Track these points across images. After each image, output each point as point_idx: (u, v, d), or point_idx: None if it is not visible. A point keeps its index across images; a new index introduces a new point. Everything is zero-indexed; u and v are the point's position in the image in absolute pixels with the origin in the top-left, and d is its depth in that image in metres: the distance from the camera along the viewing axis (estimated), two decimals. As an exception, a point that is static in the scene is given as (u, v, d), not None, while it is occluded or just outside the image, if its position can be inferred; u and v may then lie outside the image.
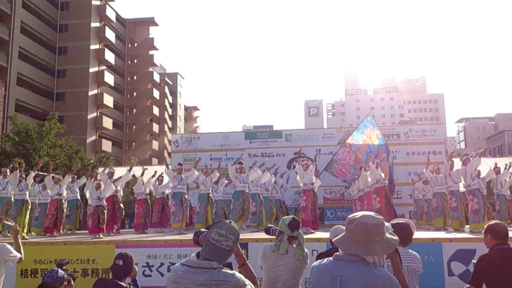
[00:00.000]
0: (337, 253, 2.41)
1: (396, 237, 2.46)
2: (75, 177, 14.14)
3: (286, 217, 4.35)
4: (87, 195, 12.24)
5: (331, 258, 2.41)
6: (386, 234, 2.37)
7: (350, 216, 2.43)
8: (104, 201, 11.32)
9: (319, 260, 2.51)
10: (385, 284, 2.23)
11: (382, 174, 11.61)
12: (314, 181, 11.11)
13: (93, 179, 12.10)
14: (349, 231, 2.35)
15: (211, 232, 2.53)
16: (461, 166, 10.56)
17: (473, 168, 10.15)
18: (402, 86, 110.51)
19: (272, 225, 4.53)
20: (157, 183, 13.60)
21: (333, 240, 2.49)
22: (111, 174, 12.37)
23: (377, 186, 11.51)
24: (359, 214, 2.39)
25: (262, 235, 6.80)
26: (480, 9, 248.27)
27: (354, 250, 2.29)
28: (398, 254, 2.83)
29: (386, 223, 2.89)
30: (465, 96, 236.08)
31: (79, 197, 13.86)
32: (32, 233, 12.47)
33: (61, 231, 12.62)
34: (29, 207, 11.67)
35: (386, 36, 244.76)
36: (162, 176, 13.67)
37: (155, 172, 14.12)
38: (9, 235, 7.80)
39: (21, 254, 4.72)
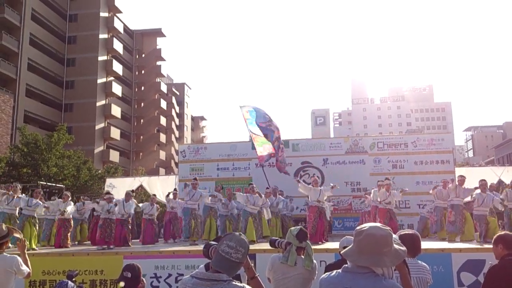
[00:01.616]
0: (346, 265, 2.40)
1: (404, 248, 2.45)
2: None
3: (293, 228, 4.34)
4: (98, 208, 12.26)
5: (339, 270, 2.40)
6: (394, 245, 2.36)
7: (358, 227, 2.43)
8: (113, 215, 11.33)
9: (328, 273, 2.49)
10: None
11: (392, 199, 11.67)
12: (320, 198, 11.12)
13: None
14: (357, 242, 2.35)
15: (221, 244, 2.54)
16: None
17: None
18: (409, 95, 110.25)
19: (277, 238, 4.52)
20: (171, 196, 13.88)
21: (341, 252, 2.49)
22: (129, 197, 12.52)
23: (380, 206, 11.65)
24: (367, 225, 2.40)
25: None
26: (487, 18, 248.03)
27: (362, 261, 2.29)
28: (406, 265, 2.82)
29: (393, 235, 2.89)
30: (473, 104, 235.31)
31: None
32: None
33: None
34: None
35: (393, 45, 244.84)
36: (176, 190, 13.96)
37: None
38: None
39: (28, 268, 4.72)
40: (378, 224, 2.40)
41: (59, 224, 12.32)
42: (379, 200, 11.81)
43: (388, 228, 2.38)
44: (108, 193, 12.16)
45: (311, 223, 10.85)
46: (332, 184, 11.69)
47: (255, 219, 11.55)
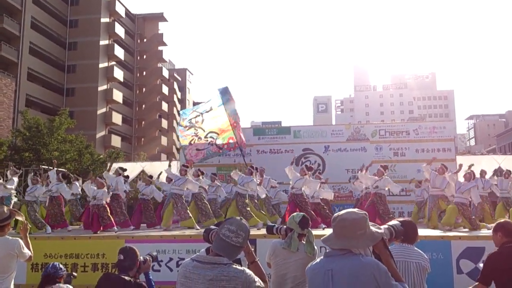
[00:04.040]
0: (327, 250, 2.55)
1: (381, 231, 2.55)
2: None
3: (295, 214, 4.38)
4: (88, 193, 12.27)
5: (322, 257, 2.56)
6: (371, 227, 2.47)
7: (335, 214, 2.57)
8: (103, 201, 11.28)
9: (312, 261, 2.67)
10: (373, 270, 2.34)
11: (382, 184, 11.59)
12: (296, 185, 11.11)
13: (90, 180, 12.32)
14: (333, 228, 2.51)
15: (221, 228, 2.57)
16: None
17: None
18: (411, 83, 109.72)
19: (274, 224, 4.55)
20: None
21: (321, 239, 2.59)
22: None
23: (372, 191, 11.70)
24: (342, 211, 2.54)
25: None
26: (490, 5, 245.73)
27: (338, 245, 2.45)
28: (386, 247, 2.83)
29: (395, 222, 2.92)
30: (475, 93, 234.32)
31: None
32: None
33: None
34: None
35: (395, 32, 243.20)
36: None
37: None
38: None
39: (30, 252, 4.76)
40: (354, 209, 2.54)
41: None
42: (369, 184, 11.87)
43: (363, 212, 2.50)
44: (100, 177, 12.12)
45: (288, 212, 10.88)
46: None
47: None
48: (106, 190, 11.49)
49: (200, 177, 12.72)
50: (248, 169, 11.79)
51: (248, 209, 11.24)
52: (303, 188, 11.29)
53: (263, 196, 12.56)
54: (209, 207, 11.80)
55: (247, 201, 11.41)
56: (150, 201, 13.15)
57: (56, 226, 11.77)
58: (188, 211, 11.16)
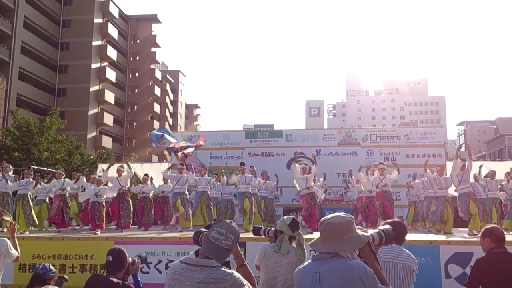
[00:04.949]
0: (314, 254, 2.58)
1: (367, 234, 2.57)
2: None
3: (286, 217, 4.39)
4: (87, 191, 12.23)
5: (310, 260, 2.59)
6: (357, 231, 2.50)
7: (322, 218, 2.58)
8: (102, 198, 11.30)
9: (299, 265, 2.69)
10: (360, 272, 2.36)
11: (388, 181, 11.79)
12: (308, 184, 11.16)
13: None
14: (320, 232, 2.53)
15: (211, 230, 2.57)
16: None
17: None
18: (403, 88, 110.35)
19: (260, 226, 4.56)
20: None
21: (309, 243, 2.61)
22: (120, 172, 12.29)
23: (378, 190, 11.85)
24: (329, 215, 2.56)
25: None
26: (482, 12, 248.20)
27: (324, 249, 2.47)
28: (372, 251, 2.86)
29: (386, 226, 2.94)
30: (466, 99, 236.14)
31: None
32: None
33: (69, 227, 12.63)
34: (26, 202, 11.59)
35: (388, 38, 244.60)
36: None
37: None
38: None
39: (17, 252, 4.72)
40: (340, 213, 2.55)
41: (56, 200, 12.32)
42: (374, 185, 11.95)
43: (349, 216, 2.52)
44: (98, 176, 12.14)
45: (305, 207, 10.95)
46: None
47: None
48: (106, 187, 11.54)
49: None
50: (241, 169, 11.91)
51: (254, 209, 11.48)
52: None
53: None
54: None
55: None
56: (151, 200, 13.23)
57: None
58: (190, 211, 11.29)
